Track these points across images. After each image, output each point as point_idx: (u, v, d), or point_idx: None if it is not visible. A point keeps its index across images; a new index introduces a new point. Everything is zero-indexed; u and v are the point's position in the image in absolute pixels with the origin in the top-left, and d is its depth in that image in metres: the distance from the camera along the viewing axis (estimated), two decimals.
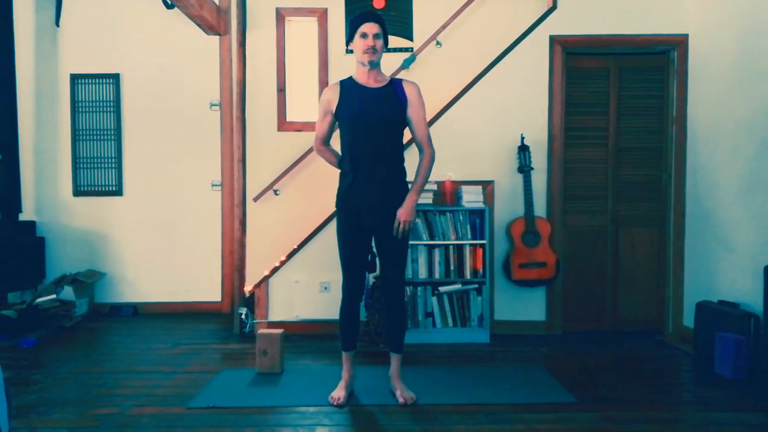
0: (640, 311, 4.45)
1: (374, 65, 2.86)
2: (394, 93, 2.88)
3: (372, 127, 2.83)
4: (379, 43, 2.84)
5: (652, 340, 4.24)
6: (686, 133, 4.25)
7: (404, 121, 2.92)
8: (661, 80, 4.40)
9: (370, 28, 2.82)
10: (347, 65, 5.03)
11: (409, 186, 2.95)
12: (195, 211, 5.22)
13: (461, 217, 4.18)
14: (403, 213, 2.85)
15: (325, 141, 3.03)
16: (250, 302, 4.48)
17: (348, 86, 2.91)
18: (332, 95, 2.91)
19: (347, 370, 3.03)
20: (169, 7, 4.91)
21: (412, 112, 2.90)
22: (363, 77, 2.89)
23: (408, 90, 2.90)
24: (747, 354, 3.31)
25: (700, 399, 3.03)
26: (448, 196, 4.28)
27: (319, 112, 2.97)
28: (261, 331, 3.53)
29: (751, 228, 3.54)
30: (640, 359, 3.75)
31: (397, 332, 3.01)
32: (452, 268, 4.18)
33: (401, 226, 2.85)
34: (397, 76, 4.84)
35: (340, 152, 3.01)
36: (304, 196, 4.98)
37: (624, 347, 4.04)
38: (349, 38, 2.90)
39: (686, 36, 4.25)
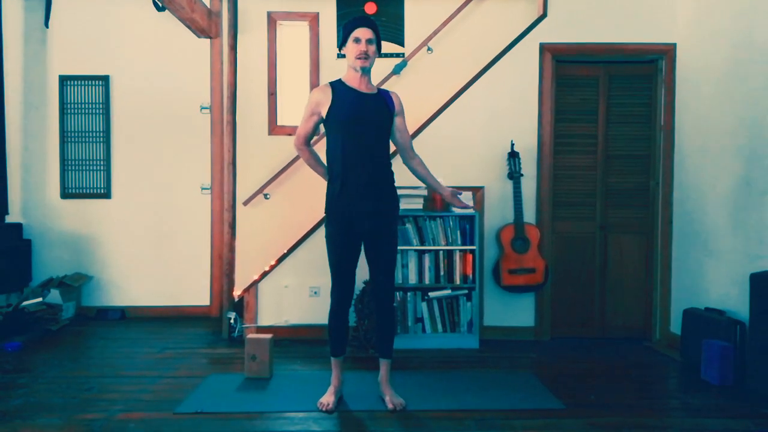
0: (627, 318, 4.48)
1: (366, 71, 2.88)
2: (384, 102, 2.93)
3: (367, 133, 2.85)
4: (372, 48, 2.86)
5: (639, 346, 4.27)
6: (674, 141, 4.30)
7: (391, 129, 2.99)
8: (650, 88, 4.45)
9: (363, 33, 2.83)
10: (338, 69, 5.00)
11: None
12: (184, 214, 5.19)
13: (451, 223, 4.20)
14: (451, 194, 3.12)
15: (307, 141, 3.03)
16: (239, 306, 4.46)
17: (340, 89, 2.89)
18: (323, 97, 2.88)
19: (336, 376, 3.02)
20: (159, 9, 4.89)
21: (400, 121, 3.01)
22: (355, 82, 2.90)
23: (396, 100, 3.00)
24: (733, 361, 3.34)
25: (687, 405, 3.06)
26: (438, 201, 4.29)
27: (305, 111, 2.94)
28: (250, 335, 3.52)
29: (738, 236, 3.58)
30: (627, 365, 3.78)
31: (386, 337, 3.01)
32: (442, 273, 4.19)
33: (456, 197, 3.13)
34: (389, 82, 4.87)
35: (324, 157, 3.03)
36: (295, 201, 4.97)
37: (612, 353, 4.06)
38: (342, 42, 2.90)
39: (674, 45, 4.30)
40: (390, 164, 2.98)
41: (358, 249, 2.97)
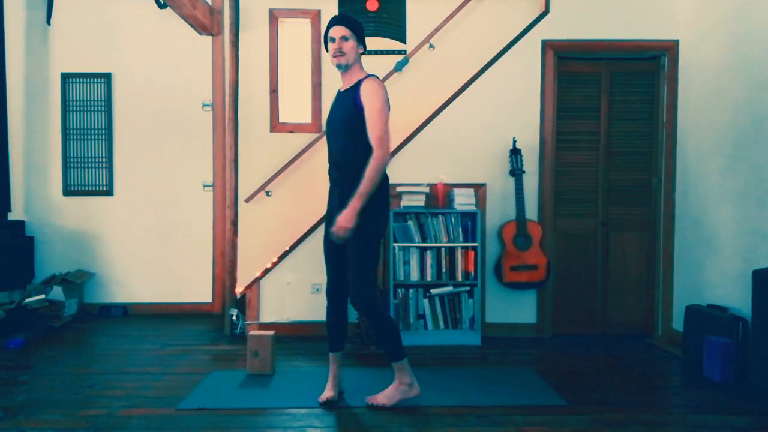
0: (629, 314, 4.48)
1: (344, 68, 2.84)
2: (352, 95, 2.80)
3: (330, 133, 2.91)
4: (348, 44, 2.80)
5: (641, 343, 4.27)
6: (676, 137, 4.29)
7: (360, 122, 2.76)
8: (652, 85, 4.44)
9: (336, 31, 2.82)
10: None
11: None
12: (186, 211, 5.20)
13: (453, 220, 4.19)
14: (339, 218, 2.70)
15: None
16: (241, 303, 4.47)
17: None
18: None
19: (332, 370, 3.02)
20: (161, 6, 4.90)
21: (364, 112, 2.75)
22: (342, 82, 2.93)
23: (361, 90, 2.77)
24: (735, 357, 3.33)
25: (689, 402, 3.05)
26: (440, 198, 4.29)
27: None
28: (252, 332, 3.53)
29: (740, 232, 3.57)
30: (629, 362, 3.78)
31: (380, 341, 2.91)
32: (444, 270, 4.19)
33: (335, 231, 2.70)
34: (390, 79, 4.86)
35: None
36: (297, 198, 4.98)
37: (614, 350, 4.06)
38: (326, 45, 2.93)
39: (676, 42, 4.29)
40: (357, 163, 2.76)
41: (337, 246, 2.87)
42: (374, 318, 2.85)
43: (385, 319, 2.87)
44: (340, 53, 2.80)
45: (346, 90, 2.87)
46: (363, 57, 2.92)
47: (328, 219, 2.92)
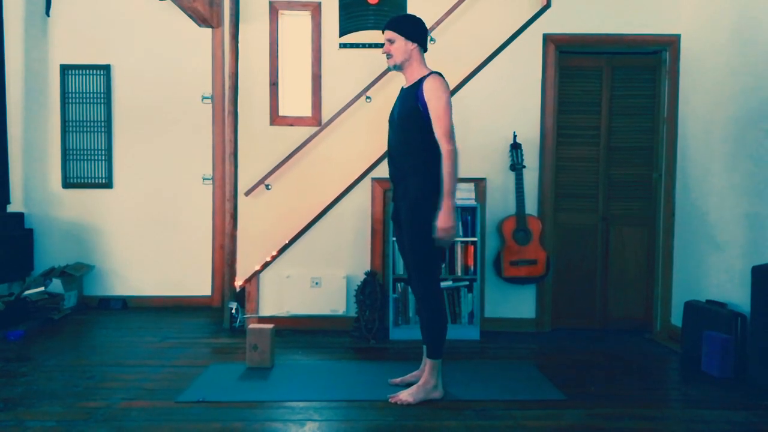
0: (629, 309, 4.49)
1: (396, 68, 2.98)
2: (414, 92, 2.87)
3: (390, 127, 3.01)
4: (393, 46, 2.94)
5: (640, 338, 4.28)
6: (677, 133, 4.28)
7: (420, 119, 2.82)
8: (653, 80, 4.43)
9: (384, 36, 2.97)
10: (341, 60, 5.01)
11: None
12: (186, 204, 5.19)
13: None
14: (437, 224, 2.76)
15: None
16: (240, 297, 4.47)
17: None
18: None
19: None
20: None
21: (428, 109, 2.81)
22: (404, 79, 3.03)
23: (424, 87, 2.82)
24: (733, 353, 3.34)
25: (687, 397, 3.06)
26: None
27: None
28: (251, 325, 3.52)
29: (740, 228, 3.57)
30: (628, 357, 3.78)
31: (426, 334, 2.92)
32: (443, 264, 4.18)
33: (442, 237, 2.77)
34: (390, 74, 4.84)
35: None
36: (296, 191, 4.96)
37: (613, 345, 4.07)
38: None
39: (678, 36, 4.28)
40: (416, 156, 2.85)
41: (402, 240, 3.04)
42: (429, 309, 2.90)
43: (439, 312, 2.91)
44: (388, 56, 2.96)
45: (409, 87, 2.96)
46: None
47: (395, 212, 3.04)
